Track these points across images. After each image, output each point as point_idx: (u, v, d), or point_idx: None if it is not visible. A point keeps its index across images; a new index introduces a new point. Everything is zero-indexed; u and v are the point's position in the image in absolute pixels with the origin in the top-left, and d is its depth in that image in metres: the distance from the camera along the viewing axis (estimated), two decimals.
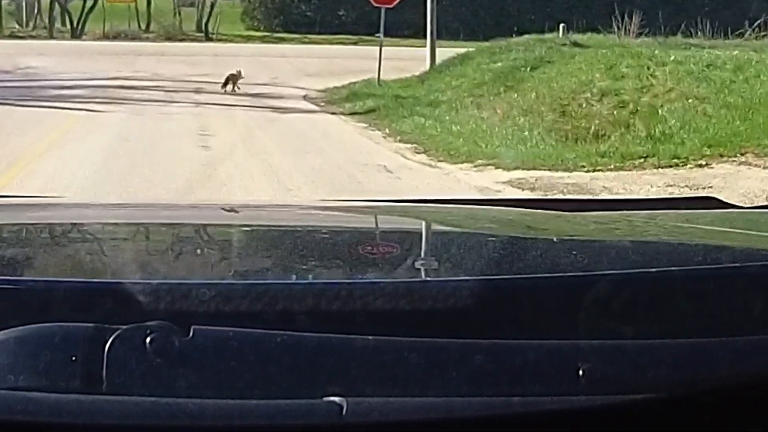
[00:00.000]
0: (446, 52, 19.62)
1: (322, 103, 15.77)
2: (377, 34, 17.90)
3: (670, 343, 0.70)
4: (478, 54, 17.60)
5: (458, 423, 0.64)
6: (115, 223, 1.27)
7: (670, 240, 1.18)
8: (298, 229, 1.25)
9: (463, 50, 18.51)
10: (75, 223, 1.24)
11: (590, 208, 1.44)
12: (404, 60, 20.39)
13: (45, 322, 0.65)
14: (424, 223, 1.33)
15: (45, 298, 0.70)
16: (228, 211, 1.53)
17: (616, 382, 0.67)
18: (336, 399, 0.63)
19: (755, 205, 4.16)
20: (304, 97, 16.68)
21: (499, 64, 15.61)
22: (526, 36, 18.41)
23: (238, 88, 15.98)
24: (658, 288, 0.77)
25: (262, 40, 35.00)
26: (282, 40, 35.04)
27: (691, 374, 0.69)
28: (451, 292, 0.74)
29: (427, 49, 19.59)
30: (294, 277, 0.88)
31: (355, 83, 17.83)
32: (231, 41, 34.50)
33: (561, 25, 18.00)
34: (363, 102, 14.87)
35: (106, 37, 35.94)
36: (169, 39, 34.97)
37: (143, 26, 38.48)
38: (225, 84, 16.12)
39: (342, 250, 1.09)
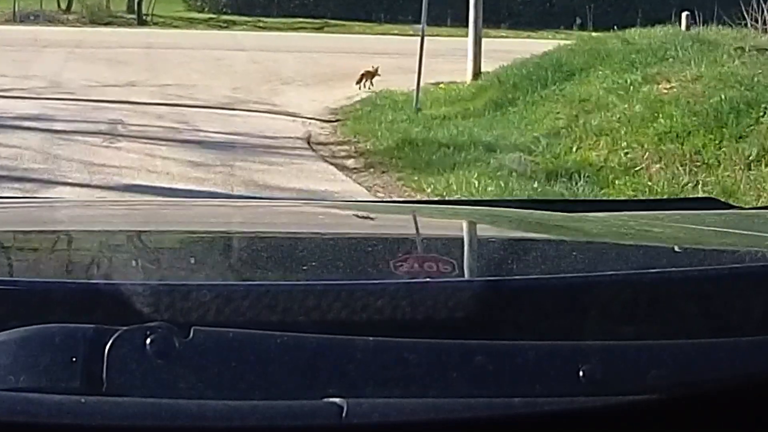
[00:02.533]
0: (494, 44, 14.90)
1: (349, 161, 8.53)
2: (415, 26, 11.90)
3: (671, 344, 0.70)
4: (595, 57, 10.72)
5: (459, 424, 0.64)
6: (116, 224, 1.27)
7: (670, 241, 1.17)
8: (299, 229, 1.25)
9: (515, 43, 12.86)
10: (75, 224, 1.25)
11: (590, 209, 1.46)
12: (428, 57, 14.67)
13: (45, 323, 0.65)
14: (424, 224, 1.32)
15: (45, 299, 0.70)
16: (228, 211, 1.53)
17: (617, 382, 0.67)
18: (336, 400, 0.62)
19: (755, 206, 4.53)
20: (308, 142, 9.49)
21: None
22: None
23: (372, 85, 13.20)
24: (658, 289, 0.77)
25: (208, 24, 28.24)
26: (232, 24, 28.26)
27: (691, 375, 0.69)
28: (452, 293, 0.74)
29: (470, 40, 13.44)
30: (294, 277, 0.87)
31: (375, 104, 11.63)
32: (169, 26, 27.85)
33: (684, 14, 11.84)
34: (427, 155, 8.24)
35: (15, 19, 28.86)
36: (94, 22, 28.06)
37: (63, 5, 31.35)
38: (360, 81, 13.47)
39: (342, 250, 1.09)
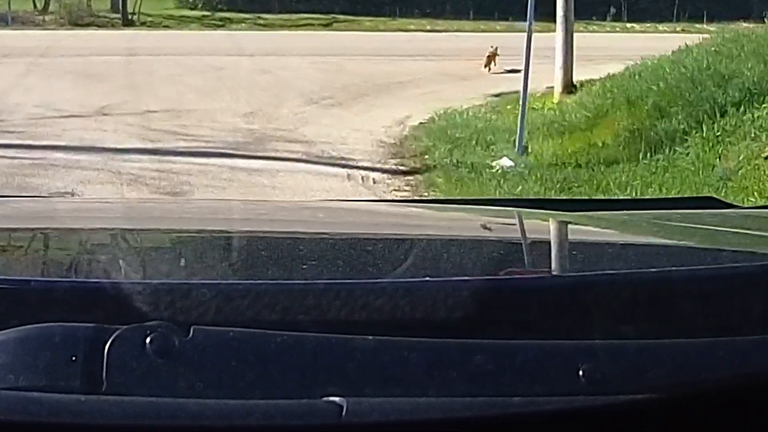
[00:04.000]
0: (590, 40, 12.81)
1: None
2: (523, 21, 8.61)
3: (671, 343, 0.70)
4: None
5: (458, 423, 0.64)
6: (116, 223, 1.27)
7: (670, 240, 1.18)
8: (299, 228, 1.25)
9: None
10: (75, 223, 1.25)
11: (590, 208, 1.47)
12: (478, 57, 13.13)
13: (45, 322, 0.65)
14: (424, 223, 1.33)
15: (45, 297, 0.70)
16: (228, 211, 1.52)
17: (617, 382, 0.67)
18: (336, 399, 0.62)
19: (755, 205, 4.36)
20: None
21: None
22: None
23: (495, 65, 13.81)
24: (658, 288, 0.77)
25: (201, 22, 24.68)
26: (228, 22, 24.77)
27: (691, 374, 0.69)
28: (451, 292, 0.74)
29: (558, 41, 10.16)
30: (294, 277, 0.87)
31: (450, 136, 8.33)
32: (158, 26, 24.27)
33: None
34: None
35: None
36: (73, 24, 24.42)
37: (39, 6, 27.53)
38: (488, 64, 14.06)
39: (342, 250, 1.08)
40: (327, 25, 25.10)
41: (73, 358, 0.63)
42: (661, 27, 23.62)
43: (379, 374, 0.65)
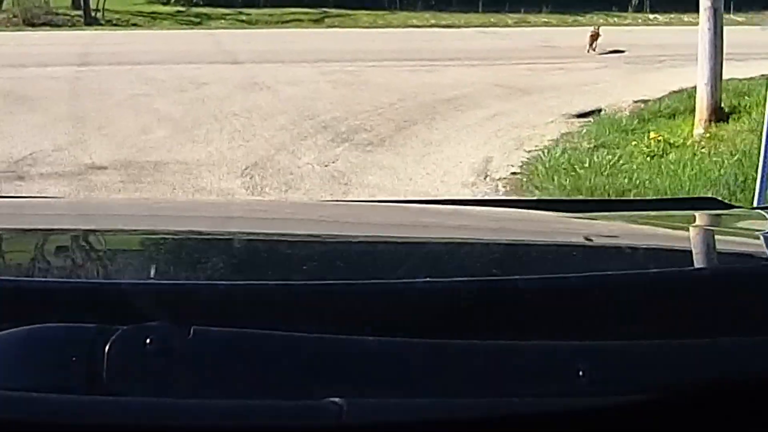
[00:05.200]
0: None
1: None
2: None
3: (671, 343, 0.70)
4: None
5: (458, 424, 0.64)
6: (116, 223, 1.26)
7: (670, 240, 1.16)
8: (299, 229, 1.24)
9: None
10: (75, 223, 1.25)
11: (590, 209, 1.45)
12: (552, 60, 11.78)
13: (45, 323, 0.65)
14: (424, 224, 1.32)
15: (45, 298, 0.70)
16: (229, 212, 1.54)
17: (617, 382, 0.67)
18: (336, 400, 0.62)
19: (755, 205, 4.31)
20: None
21: None
22: None
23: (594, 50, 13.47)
24: (658, 289, 0.77)
25: (176, 19, 21.15)
26: (206, 18, 21.17)
27: (691, 375, 0.69)
28: (452, 292, 0.74)
29: (705, 42, 7.60)
30: (294, 277, 0.86)
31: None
32: (126, 24, 20.69)
33: None
34: None
35: None
36: (29, 24, 20.81)
37: None
38: (592, 44, 13.67)
39: (342, 250, 1.08)
40: (318, 21, 21.76)
41: (74, 359, 0.62)
42: (686, 18, 21.49)
43: (379, 375, 0.65)
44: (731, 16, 26.17)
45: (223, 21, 21.22)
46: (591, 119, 8.55)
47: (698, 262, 1.00)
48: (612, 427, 0.67)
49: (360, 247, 1.09)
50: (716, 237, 1.18)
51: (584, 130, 8.00)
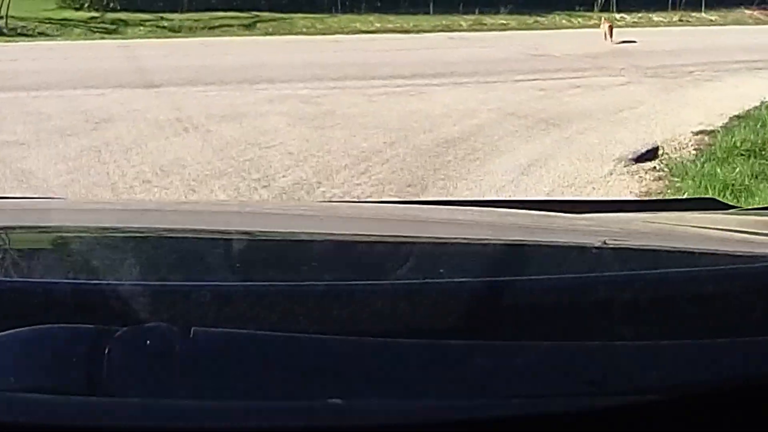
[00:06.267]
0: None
1: None
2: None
3: (671, 344, 0.69)
4: None
5: (458, 424, 0.63)
6: (115, 224, 1.25)
7: (670, 241, 1.16)
8: (299, 230, 1.23)
9: None
10: (75, 224, 1.23)
11: (589, 210, 1.43)
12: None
13: (45, 324, 0.64)
14: (424, 224, 1.30)
15: (45, 299, 0.69)
16: (228, 212, 1.51)
17: (617, 383, 0.66)
18: (336, 400, 0.62)
19: (755, 206, 4.23)
20: None
21: None
22: None
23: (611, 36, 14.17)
24: (658, 289, 0.76)
25: (88, 26, 18.21)
26: (123, 25, 18.30)
27: (691, 375, 0.68)
28: (452, 293, 0.74)
29: None
30: (294, 278, 0.85)
31: None
32: (31, 34, 17.54)
33: None
34: None
35: None
36: None
37: None
38: (610, 35, 14.29)
39: (342, 251, 1.06)
40: (249, 27, 19.10)
41: (74, 360, 0.62)
42: (655, 18, 21.15)
43: (379, 376, 0.64)
44: (702, 14, 23.89)
45: (141, 28, 18.40)
46: (656, 164, 6.45)
47: (698, 262, 0.97)
48: (612, 428, 0.66)
49: (360, 248, 1.07)
50: (716, 237, 1.16)
51: (663, 185, 5.52)
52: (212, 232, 1.18)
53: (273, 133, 7.02)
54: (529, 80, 9.87)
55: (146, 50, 13.01)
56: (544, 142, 6.96)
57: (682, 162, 6.36)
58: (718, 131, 7.22)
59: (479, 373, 0.65)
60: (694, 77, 10.20)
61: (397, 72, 10.33)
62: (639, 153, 6.94)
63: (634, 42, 13.89)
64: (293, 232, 1.20)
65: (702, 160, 6.31)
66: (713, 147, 6.98)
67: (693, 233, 1.21)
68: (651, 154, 6.99)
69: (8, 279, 0.78)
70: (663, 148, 7.08)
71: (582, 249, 1.05)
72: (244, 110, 7.94)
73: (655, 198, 5.31)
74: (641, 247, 1.09)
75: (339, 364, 0.64)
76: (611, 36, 14.42)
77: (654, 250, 1.06)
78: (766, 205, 4.75)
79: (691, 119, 7.99)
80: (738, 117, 8.06)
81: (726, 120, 7.94)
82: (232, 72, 10.36)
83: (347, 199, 5.19)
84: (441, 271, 0.92)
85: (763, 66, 10.92)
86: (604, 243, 1.05)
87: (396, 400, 0.63)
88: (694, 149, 7.11)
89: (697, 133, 7.48)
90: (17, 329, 0.63)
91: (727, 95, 8.76)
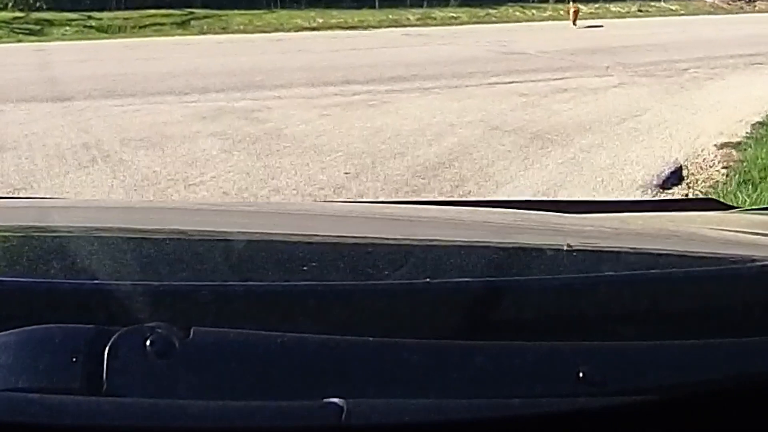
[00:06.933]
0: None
1: None
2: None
3: (671, 344, 0.69)
4: None
5: (458, 425, 0.63)
6: (115, 224, 1.24)
7: (670, 241, 1.15)
8: (299, 230, 1.22)
9: None
10: (75, 224, 1.22)
11: (589, 210, 1.43)
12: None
13: (45, 323, 0.64)
14: (424, 224, 1.29)
15: (45, 299, 0.69)
16: (228, 212, 1.51)
17: (617, 383, 0.66)
18: (336, 400, 0.62)
19: (755, 206, 4.10)
20: None
21: None
22: None
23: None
24: (657, 290, 0.76)
25: (11, 28, 16.70)
26: (48, 25, 16.94)
27: (691, 376, 0.68)
28: (452, 293, 0.74)
29: None
30: (295, 278, 0.85)
31: None
32: None
33: None
34: None
35: None
36: None
37: None
38: (575, 19, 15.53)
39: (342, 251, 1.06)
40: (183, 25, 17.88)
41: (74, 360, 0.62)
42: (613, 8, 20.28)
43: (380, 376, 0.64)
44: (662, 3, 23.42)
45: (68, 28, 17.05)
46: (687, 191, 5.44)
47: (697, 263, 0.96)
48: (612, 428, 0.66)
49: (360, 248, 1.06)
50: (716, 238, 1.16)
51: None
52: (212, 232, 1.17)
53: (203, 163, 5.53)
54: (505, 83, 8.52)
55: (64, 54, 11.43)
56: (546, 166, 5.61)
57: (715, 186, 5.12)
58: (745, 143, 6.18)
59: (479, 373, 0.65)
60: (693, 76, 9.00)
61: (352, 76, 8.89)
62: (661, 176, 5.76)
63: (601, 27, 14.16)
64: (293, 233, 1.19)
65: (737, 180, 5.28)
66: (745, 164, 5.79)
67: (693, 233, 1.21)
68: (676, 177, 5.76)
69: (8, 279, 0.76)
70: (687, 168, 5.91)
71: (581, 249, 1.03)
72: (168, 131, 6.44)
73: (654, 199, 5.09)
74: (641, 247, 1.08)
75: (339, 364, 0.64)
76: (575, 22, 15.28)
77: (654, 250, 1.05)
78: (765, 206, 4.59)
79: (708, 128, 6.83)
80: (762, 124, 6.87)
81: (748, 129, 6.84)
82: (157, 80, 8.87)
83: (347, 199, 4.93)
84: (441, 271, 0.91)
85: (763, 61, 9.65)
86: (605, 244, 1.08)
87: (396, 400, 0.63)
88: (723, 167, 6.01)
89: (720, 147, 6.39)
90: (17, 329, 0.63)
91: (739, 97, 7.75)
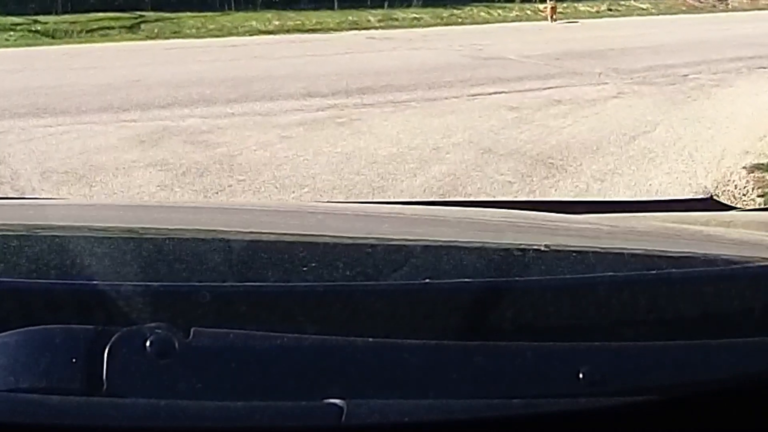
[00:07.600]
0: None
1: None
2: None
3: (670, 344, 0.69)
4: None
5: (458, 425, 0.63)
6: (115, 224, 1.24)
7: (669, 241, 1.14)
8: (299, 230, 1.21)
9: None
10: (76, 224, 1.22)
11: (589, 210, 1.43)
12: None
13: (45, 324, 0.64)
14: (424, 225, 1.28)
15: (45, 299, 0.69)
16: (228, 212, 1.49)
17: (617, 383, 0.66)
18: (336, 401, 0.61)
19: (754, 207, 4.09)
20: None
21: None
22: None
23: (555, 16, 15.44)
24: (657, 290, 0.76)
25: None
26: None
27: (691, 375, 0.67)
28: (452, 294, 0.73)
29: None
30: (294, 278, 0.85)
31: None
32: None
33: None
34: None
35: None
36: None
37: None
38: (553, 15, 15.57)
39: (342, 251, 1.05)
40: (132, 29, 16.97)
41: (74, 360, 0.61)
42: (581, 7, 19.96)
43: (380, 376, 0.64)
44: (632, 2, 22.72)
45: (12, 33, 15.99)
46: None
47: (697, 263, 0.95)
48: (612, 428, 0.65)
49: (360, 248, 1.06)
50: (715, 237, 1.15)
51: None
52: (212, 232, 1.16)
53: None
54: (489, 94, 7.52)
55: (10, 65, 10.31)
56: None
57: None
58: None
59: (479, 374, 0.64)
60: (697, 83, 8.14)
61: (315, 88, 7.85)
62: None
63: (576, 22, 13.97)
64: (293, 233, 1.17)
65: None
66: None
67: (692, 233, 1.20)
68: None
69: (8, 279, 0.76)
70: (719, 197, 5.02)
71: (581, 249, 1.03)
72: (99, 160, 5.42)
73: (653, 199, 4.84)
74: (641, 247, 1.07)
75: (339, 365, 0.64)
76: (552, 18, 15.40)
77: (654, 251, 1.04)
78: (765, 207, 4.46)
79: (732, 146, 5.98)
80: None
81: None
82: (96, 93, 7.80)
83: (346, 199, 4.82)
84: (441, 272, 0.91)
85: (767, 64, 8.77)
86: (604, 244, 1.08)
87: (396, 400, 0.62)
88: (759, 195, 5.09)
89: (751, 170, 5.50)
90: (17, 329, 0.63)
91: (755, 109, 6.93)
